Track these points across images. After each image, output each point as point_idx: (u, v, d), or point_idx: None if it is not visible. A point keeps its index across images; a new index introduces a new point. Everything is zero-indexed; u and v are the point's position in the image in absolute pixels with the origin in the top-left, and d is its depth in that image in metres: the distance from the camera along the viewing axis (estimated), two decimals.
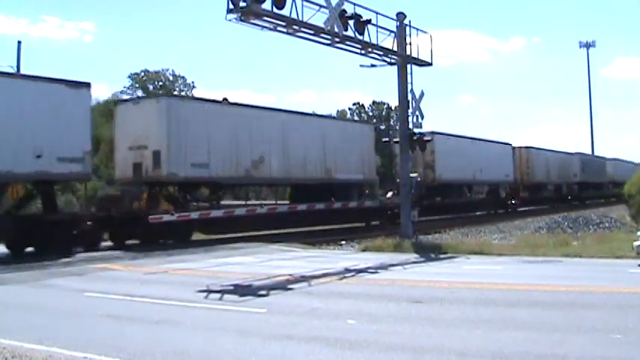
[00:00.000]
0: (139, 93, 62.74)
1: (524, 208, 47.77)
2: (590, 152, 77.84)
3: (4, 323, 9.43)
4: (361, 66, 22.37)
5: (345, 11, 18.92)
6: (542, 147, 54.87)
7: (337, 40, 19.30)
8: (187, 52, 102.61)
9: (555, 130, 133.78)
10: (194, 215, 24.61)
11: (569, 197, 59.49)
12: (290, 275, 14.12)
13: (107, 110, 39.24)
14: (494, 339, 7.81)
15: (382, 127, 71.54)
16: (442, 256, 18.07)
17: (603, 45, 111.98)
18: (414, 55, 22.28)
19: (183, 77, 65.87)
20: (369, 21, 20.01)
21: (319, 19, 18.18)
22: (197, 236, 26.16)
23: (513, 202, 47.26)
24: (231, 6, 15.79)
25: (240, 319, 9.50)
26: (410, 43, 22.05)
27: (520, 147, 50.38)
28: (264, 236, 26.22)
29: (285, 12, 16.88)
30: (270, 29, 17.54)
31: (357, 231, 29.82)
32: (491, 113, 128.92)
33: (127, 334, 8.66)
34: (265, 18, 16.79)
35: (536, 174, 51.77)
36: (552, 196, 57.73)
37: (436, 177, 37.93)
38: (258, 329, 8.73)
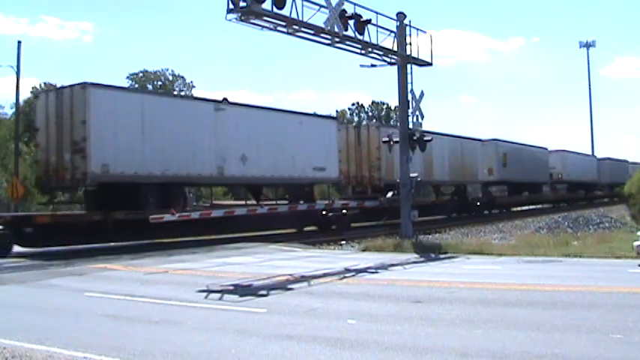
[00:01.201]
0: None
1: (359, 225, 31.40)
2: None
3: (4, 323, 9.43)
4: (361, 66, 22.39)
5: (345, 11, 18.93)
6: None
7: (337, 40, 19.30)
8: (187, 52, 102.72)
9: (555, 130, 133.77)
10: (194, 215, 24.56)
11: (478, 203, 41.64)
12: (290, 275, 14.12)
13: None
14: (495, 339, 7.81)
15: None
16: (442, 256, 18.06)
17: (602, 45, 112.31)
18: (414, 55, 22.29)
19: (182, 77, 65.95)
20: (369, 21, 20.01)
21: (319, 19, 18.22)
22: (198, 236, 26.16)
23: (343, 213, 29.62)
24: (231, 6, 15.80)
25: (240, 319, 9.49)
26: (410, 43, 22.05)
27: (368, 124, 33.46)
28: (264, 236, 26.22)
29: (285, 12, 16.88)
30: (270, 29, 17.54)
31: (357, 231, 29.80)
32: (491, 113, 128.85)
33: (127, 334, 8.66)
34: (265, 18, 16.79)
35: (397, 168, 29.63)
36: (448, 202, 39.64)
37: (90, 170, 21.05)
38: (258, 329, 8.72)
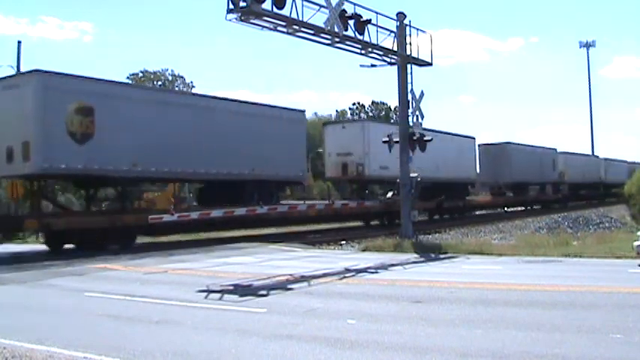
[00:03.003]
0: None
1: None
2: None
3: (5, 323, 9.43)
4: (361, 66, 22.38)
5: (345, 11, 18.92)
6: None
7: (337, 40, 19.30)
8: (187, 52, 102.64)
9: (556, 130, 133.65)
10: (194, 215, 24.54)
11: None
12: (290, 275, 14.12)
13: None
14: (495, 339, 7.81)
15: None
16: (442, 256, 18.07)
17: (602, 45, 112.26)
18: (414, 55, 22.27)
19: (182, 77, 65.89)
20: (369, 21, 20.01)
21: (319, 19, 18.22)
22: (198, 236, 26.20)
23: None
24: (231, 6, 15.80)
25: (240, 319, 9.49)
26: (410, 43, 22.03)
27: None
28: (264, 236, 26.23)
29: (285, 12, 16.88)
30: (270, 29, 17.55)
31: (357, 231, 29.79)
32: (490, 113, 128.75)
33: (127, 334, 8.66)
34: (265, 18, 16.79)
35: None
36: None
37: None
38: (258, 329, 8.72)
